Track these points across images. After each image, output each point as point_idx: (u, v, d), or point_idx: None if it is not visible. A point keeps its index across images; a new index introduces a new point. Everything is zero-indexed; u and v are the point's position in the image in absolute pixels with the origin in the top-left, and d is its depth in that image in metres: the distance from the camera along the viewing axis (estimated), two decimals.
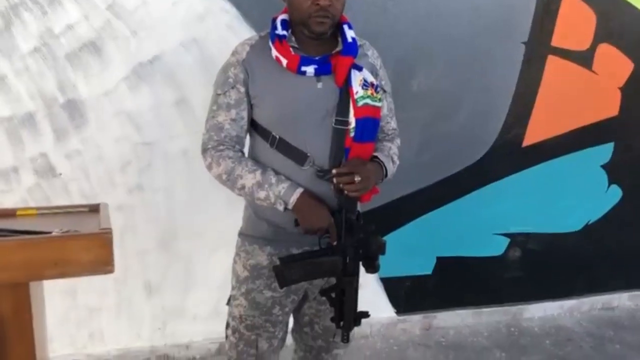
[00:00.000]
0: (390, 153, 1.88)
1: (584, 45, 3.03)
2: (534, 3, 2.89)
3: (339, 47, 1.76)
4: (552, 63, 2.99)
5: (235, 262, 1.91)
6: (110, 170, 2.52)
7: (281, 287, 1.75)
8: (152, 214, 2.62)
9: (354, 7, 2.60)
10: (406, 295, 3.15)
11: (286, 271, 1.71)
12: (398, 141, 1.96)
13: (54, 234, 1.24)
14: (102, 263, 1.22)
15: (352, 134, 1.73)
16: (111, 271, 1.24)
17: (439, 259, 3.15)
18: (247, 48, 1.77)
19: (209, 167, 1.78)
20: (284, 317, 1.93)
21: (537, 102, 3.04)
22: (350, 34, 1.77)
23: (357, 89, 1.72)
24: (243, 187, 1.73)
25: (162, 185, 2.60)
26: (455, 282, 3.22)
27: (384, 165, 1.81)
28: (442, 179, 3.01)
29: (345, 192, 1.70)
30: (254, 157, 1.82)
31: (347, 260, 1.72)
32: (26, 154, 2.42)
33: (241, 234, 1.91)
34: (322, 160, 1.74)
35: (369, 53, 1.87)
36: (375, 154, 1.82)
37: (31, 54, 2.33)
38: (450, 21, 2.79)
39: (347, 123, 1.73)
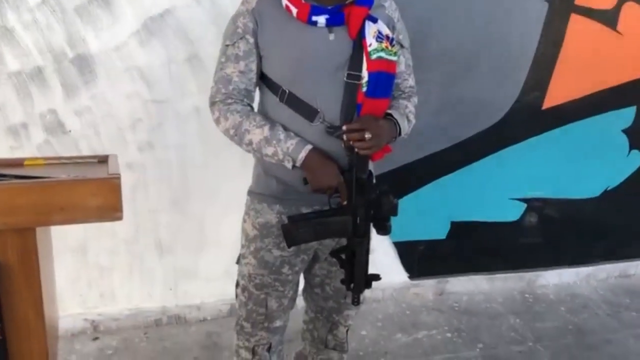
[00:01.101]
0: (406, 111, 1.81)
1: (608, 3, 2.93)
2: None
3: None
4: (575, 22, 2.89)
5: (244, 220, 1.88)
6: (120, 127, 2.48)
7: (289, 247, 1.72)
8: (163, 173, 2.59)
9: None
10: (419, 259, 3.12)
11: (294, 230, 1.67)
12: (415, 99, 1.88)
13: (61, 178, 1.19)
14: (111, 209, 1.18)
15: (364, 89, 1.67)
16: (120, 218, 1.20)
17: (453, 223, 3.10)
18: None
19: (217, 121, 1.73)
20: (294, 277, 1.89)
21: (558, 64, 2.94)
22: None
23: (370, 41, 1.65)
24: (250, 143, 1.68)
25: (174, 144, 2.56)
26: (469, 248, 3.18)
27: (398, 123, 1.74)
28: (459, 142, 2.94)
29: (356, 149, 1.64)
30: (263, 112, 1.76)
31: (358, 221, 1.67)
32: (35, 109, 2.38)
33: (250, 192, 1.87)
34: (332, 116, 1.68)
35: (386, 4, 1.78)
36: (390, 111, 1.75)
37: (39, 6, 2.27)
38: None
39: (359, 77, 1.66)
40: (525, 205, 3.18)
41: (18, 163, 1.51)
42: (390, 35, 1.69)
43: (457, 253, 3.16)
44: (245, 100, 1.73)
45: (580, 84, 3.04)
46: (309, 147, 1.66)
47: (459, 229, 3.11)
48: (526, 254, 3.30)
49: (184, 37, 2.44)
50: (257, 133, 1.67)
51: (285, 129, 1.69)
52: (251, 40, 1.68)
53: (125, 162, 2.45)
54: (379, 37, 1.66)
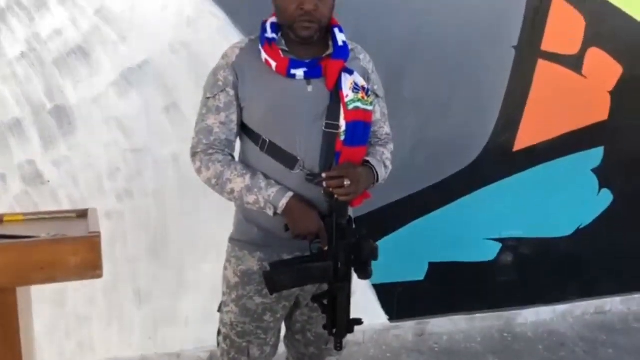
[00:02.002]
0: (383, 158, 1.87)
1: (573, 49, 3.04)
2: (523, 7, 2.90)
3: (330, 51, 1.75)
4: (542, 67, 3.00)
5: (225, 268, 1.89)
6: (99, 176, 2.49)
7: (271, 293, 1.73)
8: (142, 221, 2.59)
9: (344, 10, 2.59)
10: (399, 301, 3.13)
11: (276, 277, 1.69)
12: (391, 146, 1.94)
13: (41, 237, 1.21)
14: (91, 267, 1.20)
15: (342, 138, 1.72)
16: (100, 276, 1.21)
17: (431, 264, 3.13)
18: (237, 51, 1.76)
19: (198, 171, 1.76)
20: (276, 324, 1.90)
21: (527, 106, 3.04)
22: (341, 37, 1.77)
23: (347, 92, 1.71)
24: (232, 192, 1.72)
25: (152, 191, 2.57)
26: (447, 288, 3.20)
27: (376, 170, 1.80)
28: (433, 184, 3.00)
29: (336, 196, 1.68)
30: (244, 161, 1.80)
31: (339, 266, 1.70)
32: (14, 160, 2.38)
33: (232, 240, 1.89)
34: (312, 164, 1.72)
35: (361, 57, 1.86)
36: (367, 158, 1.81)
37: (18, 59, 2.30)
38: (441, 25, 2.79)
39: (337, 127, 1.72)
40: (500, 244, 3.23)
41: None
42: (366, 86, 1.76)
43: (435, 294, 3.18)
44: (226, 150, 1.76)
45: (549, 126, 3.13)
46: (290, 194, 1.69)
47: (437, 270, 3.14)
48: (504, 293, 3.33)
49: (162, 86, 2.48)
50: (239, 182, 1.70)
51: (266, 177, 1.72)
52: (232, 92, 1.73)
53: (104, 211, 2.45)
54: (355, 88, 1.72)
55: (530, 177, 3.15)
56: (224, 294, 1.90)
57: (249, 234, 1.82)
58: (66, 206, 2.46)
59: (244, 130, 1.79)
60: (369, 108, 1.76)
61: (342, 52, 1.75)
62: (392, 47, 2.72)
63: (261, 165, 1.75)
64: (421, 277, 3.14)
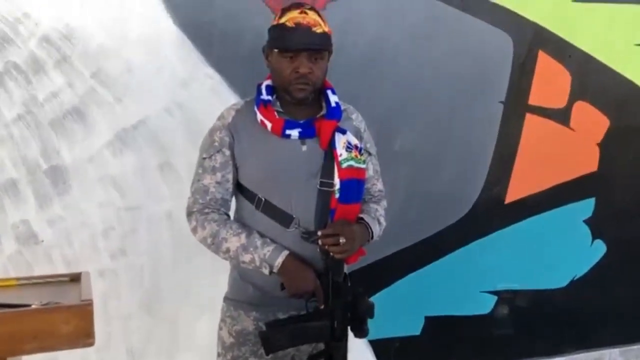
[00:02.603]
0: (377, 215, 1.90)
1: (560, 103, 3.11)
2: (509, 63, 2.97)
3: (323, 111, 1.81)
4: (530, 121, 3.06)
5: (220, 328, 1.88)
6: (93, 235, 2.49)
7: (267, 354, 1.72)
8: (135, 279, 2.59)
9: (335, 69, 2.66)
10: (396, 356, 3.10)
11: (272, 337, 1.69)
12: (384, 203, 1.98)
13: (33, 306, 1.21)
14: (83, 335, 1.20)
15: (337, 195, 1.75)
16: (91, 344, 1.22)
17: (427, 318, 3.12)
18: (233, 112, 1.82)
19: (194, 231, 1.78)
20: None
21: (517, 159, 3.08)
22: (333, 98, 1.83)
23: (340, 151, 1.76)
24: (228, 251, 1.73)
25: (146, 250, 2.57)
26: (444, 342, 3.18)
27: (370, 227, 1.82)
28: (426, 238, 3.01)
29: (331, 254, 1.69)
30: (240, 220, 1.82)
31: (335, 325, 1.70)
32: (8, 220, 2.39)
33: (226, 299, 1.89)
34: (307, 222, 1.75)
35: (353, 117, 1.92)
36: (362, 215, 1.84)
37: (15, 121, 2.34)
38: (430, 82, 2.85)
39: (331, 185, 1.76)
40: (496, 297, 3.22)
41: None
42: (359, 144, 1.81)
43: (433, 348, 3.15)
44: (222, 209, 1.79)
45: (539, 178, 3.17)
46: (286, 253, 1.71)
47: (434, 324, 3.12)
48: (501, 346, 3.30)
49: (156, 145, 2.51)
50: (234, 241, 1.72)
51: (262, 235, 1.74)
52: (227, 152, 1.78)
53: (97, 270, 2.45)
54: (349, 147, 1.77)
55: (523, 229, 3.17)
56: (219, 354, 1.89)
57: (245, 293, 1.83)
58: (60, 266, 2.45)
59: (239, 189, 1.83)
60: (362, 166, 1.80)
61: (335, 112, 1.81)
62: (383, 104, 2.78)
63: (257, 224, 1.77)
64: (417, 332, 3.11)
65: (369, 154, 1.94)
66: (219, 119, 1.83)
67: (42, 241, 2.44)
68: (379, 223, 1.90)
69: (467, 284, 3.14)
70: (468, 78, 2.92)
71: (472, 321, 3.19)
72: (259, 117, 1.77)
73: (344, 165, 1.75)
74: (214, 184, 1.77)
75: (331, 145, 1.77)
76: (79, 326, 1.19)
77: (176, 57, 2.48)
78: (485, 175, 3.05)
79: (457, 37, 2.88)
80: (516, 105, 3.02)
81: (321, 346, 1.78)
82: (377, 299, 2.88)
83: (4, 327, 1.17)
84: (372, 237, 1.85)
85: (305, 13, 1.71)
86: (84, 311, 1.21)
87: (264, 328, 1.73)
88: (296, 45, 1.70)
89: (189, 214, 1.80)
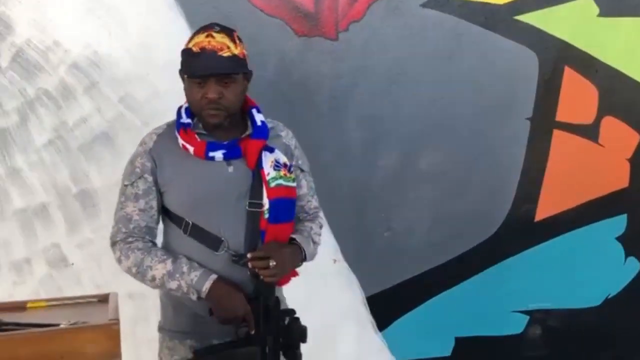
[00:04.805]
0: (311, 233, 1.86)
1: (588, 119, 3.07)
2: (535, 80, 2.95)
3: (249, 131, 1.78)
4: (558, 137, 3.02)
5: (160, 359, 1.85)
6: None
7: None
8: None
9: (358, 89, 2.69)
10: None
11: None
12: (320, 220, 1.95)
13: (61, 326, 1.23)
14: (110, 355, 1.21)
15: (266, 216, 1.73)
16: None
17: (457, 339, 3.07)
18: (154, 137, 1.79)
19: (119, 261, 1.76)
20: None
21: (546, 177, 3.04)
22: (259, 117, 1.80)
23: (268, 170, 1.73)
24: (154, 279, 1.70)
25: None
26: None
27: (303, 247, 1.79)
28: (455, 257, 2.98)
29: (261, 277, 1.67)
30: (168, 245, 1.80)
31: (267, 350, 1.66)
32: (39, 244, 2.44)
33: (161, 329, 1.86)
34: (237, 245, 1.72)
35: (282, 134, 1.88)
36: (294, 235, 1.80)
37: (45, 147, 2.40)
38: (454, 101, 2.85)
39: (261, 205, 1.73)
40: (527, 317, 3.16)
41: (20, 306, 1.56)
42: (288, 162, 1.78)
43: None
44: (146, 237, 1.76)
45: (569, 195, 3.11)
46: (214, 277, 1.67)
47: (464, 345, 3.07)
48: None
49: None
50: (160, 268, 1.68)
51: (190, 260, 1.70)
52: (150, 178, 1.74)
53: (126, 293, 2.47)
54: (277, 165, 1.75)
55: (554, 247, 3.11)
56: None
57: (177, 321, 1.80)
58: (89, 288, 2.48)
59: (166, 214, 1.79)
60: (292, 184, 1.78)
61: (261, 131, 1.77)
62: (407, 124, 2.78)
63: (185, 249, 1.73)
64: (448, 353, 3.07)
65: (301, 170, 1.89)
66: (140, 144, 1.79)
67: (72, 264, 2.48)
68: (314, 242, 1.85)
69: (498, 303, 3.09)
70: (493, 96, 2.91)
71: (503, 341, 3.13)
72: (180, 141, 1.73)
73: (272, 184, 1.72)
74: (137, 211, 1.74)
75: (259, 165, 1.73)
76: (106, 346, 1.20)
77: None
78: (513, 193, 3.01)
79: (482, 55, 2.88)
80: (543, 122, 2.99)
81: None
82: (406, 320, 2.91)
83: (32, 346, 1.19)
84: (305, 258, 1.80)
85: (212, 37, 1.66)
86: (111, 330, 1.22)
87: None
88: (202, 71, 1.66)
89: (113, 243, 1.77)
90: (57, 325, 1.25)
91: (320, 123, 2.69)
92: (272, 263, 1.64)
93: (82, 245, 2.48)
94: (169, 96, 2.48)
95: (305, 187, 1.92)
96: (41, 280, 2.45)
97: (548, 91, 2.98)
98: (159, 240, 1.84)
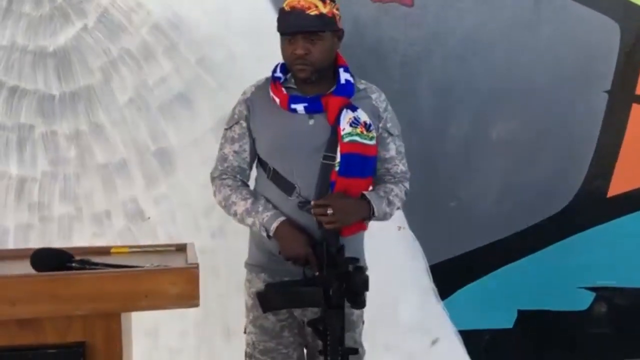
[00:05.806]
0: (390, 194, 1.91)
1: None
2: (616, 52, 2.85)
3: (333, 88, 1.86)
4: (637, 111, 2.92)
5: (244, 291, 2.00)
6: (195, 214, 2.62)
7: (264, 312, 1.85)
8: (233, 259, 2.68)
9: (431, 57, 2.67)
10: (486, 349, 3.06)
11: (268, 297, 1.79)
12: (406, 184, 2.00)
13: (145, 267, 1.31)
14: (189, 296, 1.28)
15: (336, 168, 1.80)
16: (196, 305, 1.30)
17: (520, 311, 3.05)
18: (253, 89, 1.96)
19: (214, 194, 1.95)
20: (295, 338, 1.97)
21: (621, 152, 2.96)
22: (344, 76, 1.89)
23: (344, 126, 1.81)
24: (236, 214, 1.88)
25: (244, 230, 2.66)
26: (537, 337, 3.10)
27: (372, 204, 1.84)
28: (523, 229, 2.95)
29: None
30: (256, 187, 1.96)
31: (330, 293, 1.74)
32: (119, 198, 2.56)
33: (245, 264, 2.03)
34: (308, 192, 1.84)
35: (373, 96, 1.95)
36: (366, 191, 1.87)
37: (127, 105, 2.50)
38: (529, 71, 2.80)
39: (334, 159, 1.82)
40: (594, 294, 3.11)
41: (105, 251, 1.66)
42: (368, 122, 1.84)
43: (524, 343, 3.08)
44: (238, 176, 1.93)
45: None
46: (282, 218, 1.82)
47: (527, 318, 3.05)
48: (596, 345, 3.17)
49: None
50: (241, 205, 1.86)
51: (268, 201, 1.86)
52: (244, 124, 1.92)
53: (198, 247, 2.56)
54: (354, 122, 1.82)
55: (625, 225, 3.03)
56: (245, 316, 2.01)
57: (256, 257, 1.98)
58: (164, 242, 2.59)
59: (258, 159, 1.95)
60: (368, 142, 1.83)
61: (344, 89, 1.87)
62: (480, 93, 2.75)
63: (267, 191, 1.90)
64: (510, 325, 3.06)
65: (390, 134, 1.96)
66: (242, 94, 1.96)
67: (149, 218, 2.59)
68: (390, 202, 1.90)
69: (564, 278, 3.04)
70: (571, 67, 2.84)
71: (567, 317, 3.09)
72: (271, 94, 1.88)
73: (346, 139, 1.80)
74: (232, 153, 1.92)
75: (337, 121, 1.82)
76: (186, 287, 1.27)
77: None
78: (587, 168, 2.95)
79: (561, 25, 2.80)
80: (622, 95, 2.90)
81: None
82: (469, 290, 2.91)
83: (119, 285, 1.27)
84: (374, 214, 1.86)
85: None
86: (191, 274, 1.29)
87: None
88: (290, 28, 1.80)
89: (212, 179, 1.95)
90: (142, 267, 1.32)
91: (392, 89, 2.67)
92: (329, 211, 1.74)
93: (158, 200, 2.59)
94: (245, 59, 2.54)
95: (394, 151, 1.98)
96: (120, 233, 2.58)
97: (629, 64, 2.88)
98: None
